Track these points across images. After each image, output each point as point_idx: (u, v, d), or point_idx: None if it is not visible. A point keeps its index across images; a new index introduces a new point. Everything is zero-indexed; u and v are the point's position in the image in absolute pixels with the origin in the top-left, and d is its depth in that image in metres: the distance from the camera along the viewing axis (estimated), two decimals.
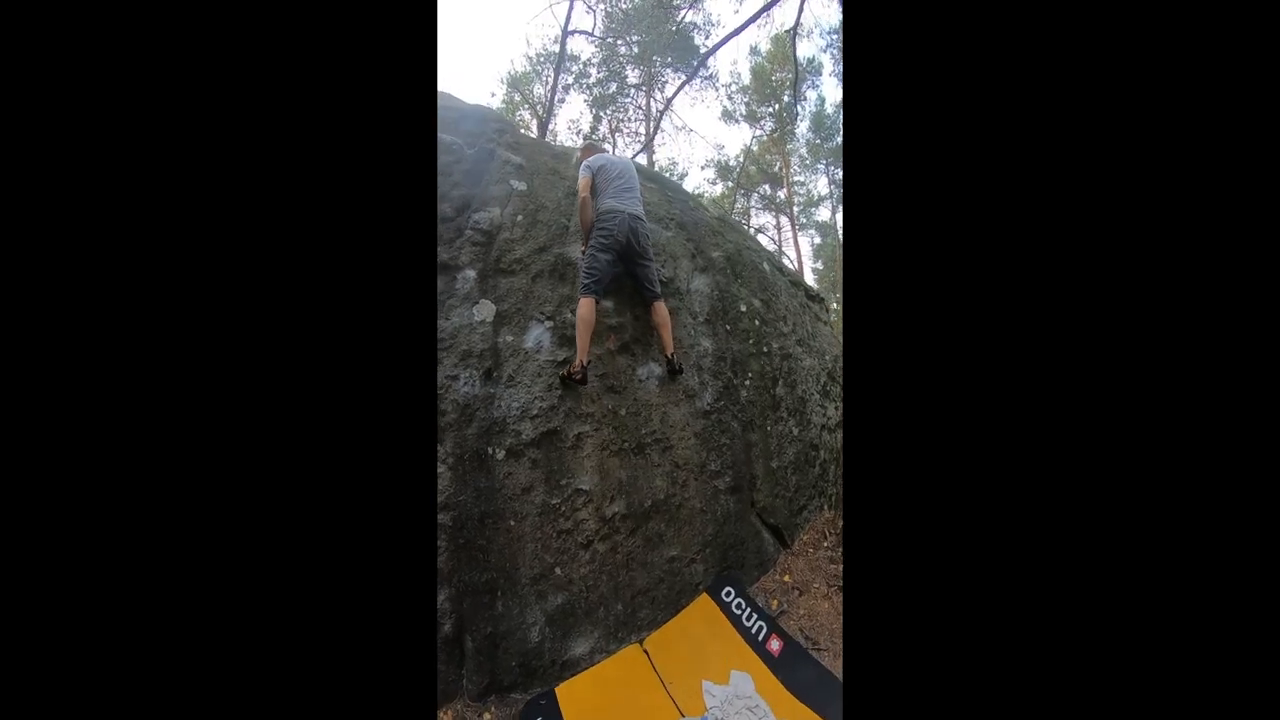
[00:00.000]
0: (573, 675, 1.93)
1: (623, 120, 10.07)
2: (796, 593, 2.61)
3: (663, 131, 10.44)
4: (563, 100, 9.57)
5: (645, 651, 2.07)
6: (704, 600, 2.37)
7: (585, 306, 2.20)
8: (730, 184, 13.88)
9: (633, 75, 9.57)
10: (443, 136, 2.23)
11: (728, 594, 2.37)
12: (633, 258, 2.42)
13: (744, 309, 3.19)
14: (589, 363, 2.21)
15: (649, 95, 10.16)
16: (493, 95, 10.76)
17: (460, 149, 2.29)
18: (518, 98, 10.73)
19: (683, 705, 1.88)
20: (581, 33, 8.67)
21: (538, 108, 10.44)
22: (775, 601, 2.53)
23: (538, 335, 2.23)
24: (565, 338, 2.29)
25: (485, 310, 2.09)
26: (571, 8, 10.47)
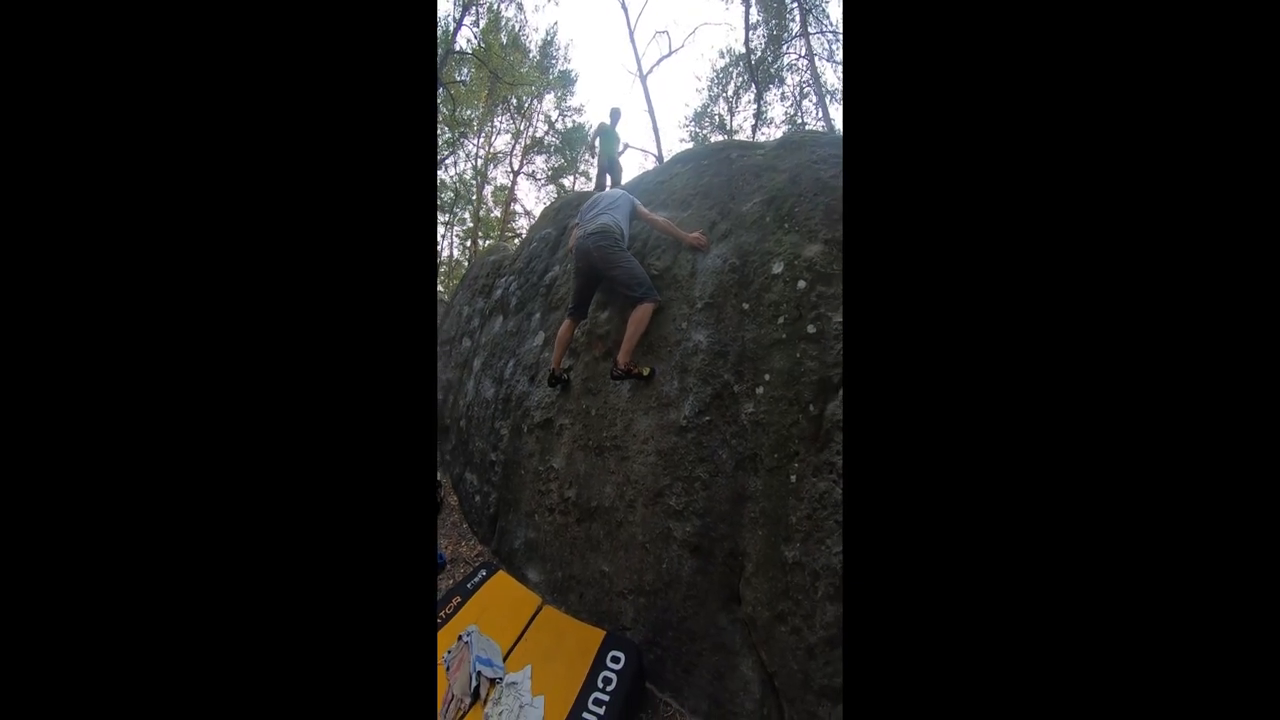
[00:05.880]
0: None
1: (801, 81, 10.10)
2: None
3: (836, 64, 9.76)
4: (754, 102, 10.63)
5: (538, 610, 2.43)
6: (593, 639, 2.17)
7: (562, 327, 2.83)
8: None
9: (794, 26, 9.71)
10: (543, 231, 3.52)
11: (615, 659, 2.05)
12: (599, 271, 2.66)
13: (779, 269, 2.07)
14: (556, 369, 2.82)
15: (806, 38, 9.76)
16: (681, 142, 11.89)
17: (552, 235, 3.47)
18: (701, 130, 12.22)
19: (509, 661, 2.22)
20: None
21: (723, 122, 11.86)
22: None
23: None
24: (574, 350, 2.93)
25: (539, 338, 3.22)
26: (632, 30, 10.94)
